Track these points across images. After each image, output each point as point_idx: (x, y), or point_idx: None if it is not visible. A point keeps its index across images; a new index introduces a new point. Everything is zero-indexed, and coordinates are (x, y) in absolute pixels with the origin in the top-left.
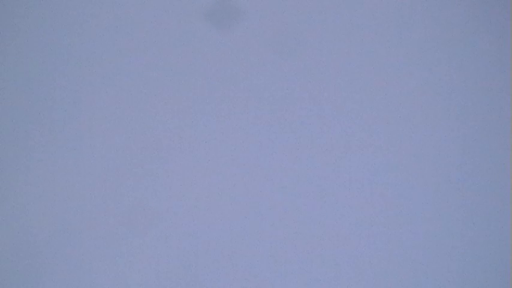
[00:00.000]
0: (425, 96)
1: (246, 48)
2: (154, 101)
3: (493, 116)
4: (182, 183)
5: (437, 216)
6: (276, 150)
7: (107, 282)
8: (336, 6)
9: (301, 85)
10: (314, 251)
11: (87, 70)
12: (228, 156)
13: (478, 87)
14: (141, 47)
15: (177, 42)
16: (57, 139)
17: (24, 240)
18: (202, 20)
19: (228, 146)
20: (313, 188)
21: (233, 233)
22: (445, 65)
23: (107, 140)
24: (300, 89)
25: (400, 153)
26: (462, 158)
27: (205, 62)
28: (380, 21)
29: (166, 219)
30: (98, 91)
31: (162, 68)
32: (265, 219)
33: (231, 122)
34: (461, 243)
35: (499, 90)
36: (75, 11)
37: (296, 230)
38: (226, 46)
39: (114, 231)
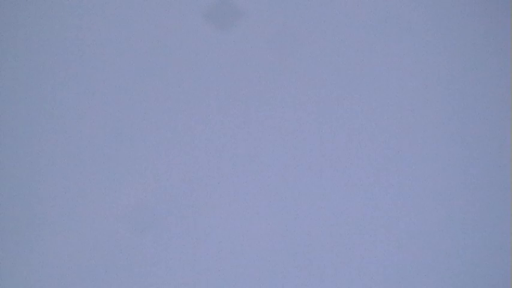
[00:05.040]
0: (426, 96)
1: (246, 48)
2: (154, 100)
3: (493, 116)
4: (182, 182)
5: (437, 217)
6: (275, 149)
7: (108, 282)
8: (336, 7)
9: (301, 85)
10: (312, 251)
11: (88, 70)
12: (228, 155)
13: (478, 87)
14: (141, 47)
15: (177, 42)
16: (58, 138)
17: (24, 240)
18: (202, 20)
19: (228, 145)
20: (313, 188)
21: (233, 234)
22: (444, 65)
23: (107, 139)
24: (300, 89)
25: (400, 153)
26: (462, 158)
27: (205, 61)
28: (380, 22)
29: (166, 219)
30: (99, 91)
31: (163, 68)
32: (265, 220)
33: (231, 122)
34: (461, 243)
35: (499, 90)
36: (76, 10)
37: (295, 230)
38: (226, 46)
39: (115, 231)
